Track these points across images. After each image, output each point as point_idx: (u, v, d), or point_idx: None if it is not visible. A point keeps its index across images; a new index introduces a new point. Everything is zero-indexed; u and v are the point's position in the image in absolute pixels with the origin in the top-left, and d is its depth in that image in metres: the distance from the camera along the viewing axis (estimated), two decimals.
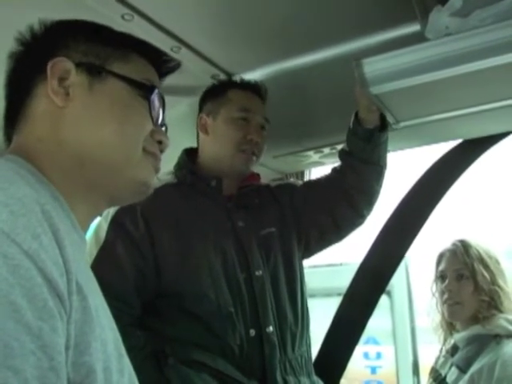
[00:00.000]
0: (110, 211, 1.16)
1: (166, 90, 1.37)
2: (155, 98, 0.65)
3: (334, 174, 1.35)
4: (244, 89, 1.28)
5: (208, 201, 1.22)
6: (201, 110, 1.30)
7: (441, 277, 1.56)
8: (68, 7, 0.96)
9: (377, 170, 1.27)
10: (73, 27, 0.64)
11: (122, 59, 0.64)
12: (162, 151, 0.67)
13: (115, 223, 1.14)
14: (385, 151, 1.27)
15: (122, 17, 1.02)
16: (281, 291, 1.20)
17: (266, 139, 1.29)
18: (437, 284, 1.58)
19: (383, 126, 1.20)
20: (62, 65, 0.59)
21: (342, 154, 1.31)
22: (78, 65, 0.60)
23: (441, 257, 1.60)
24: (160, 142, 0.66)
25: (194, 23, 1.11)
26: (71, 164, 0.58)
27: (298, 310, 1.23)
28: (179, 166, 1.29)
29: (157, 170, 0.66)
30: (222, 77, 1.32)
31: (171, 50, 1.17)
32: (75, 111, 0.59)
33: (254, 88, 1.29)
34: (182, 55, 1.19)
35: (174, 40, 1.13)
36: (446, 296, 1.52)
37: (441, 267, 1.57)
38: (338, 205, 1.31)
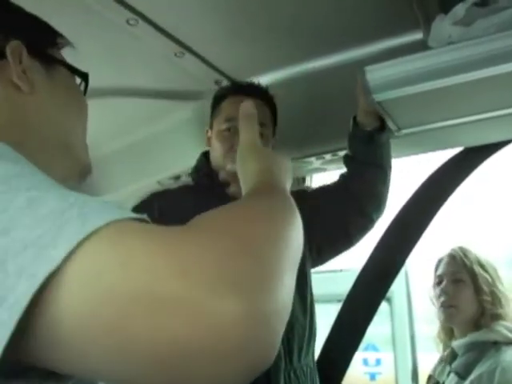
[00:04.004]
0: None
1: (170, 94, 1.39)
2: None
3: (341, 180, 1.33)
4: (236, 94, 1.21)
5: (224, 204, 1.20)
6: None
7: (438, 281, 1.57)
8: (73, 11, 0.97)
9: (381, 171, 1.26)
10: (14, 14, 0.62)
11: (57, 46, 0.64)
12: None
13: None
14: (387, 153, 1.26)
15: (127, 21, 1.02)
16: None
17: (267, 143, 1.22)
18: (434, 289, 1.59)
19: (382, 127, 1.19)
20: (19, 49, 0.56)
21: (346, 159, 1.30)
22: (28, 50, 0.58)
23: (439, 262, 1.61)
24: None
25: (197, 28, 1.12)
26: (36, 148, 0.55)
27: (307, 318, 1.20)
28: (196, 169, 1.27)
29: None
30: (226, 82, 1.32)
31: (175, 55, 1.17)
32: (40, 97, 0.58)
33: (245, 90, 1.22)
34: (186, 60, 1.20)
35: (177, 45, 1.14)
36: (442, 299, 1.53)
37: (438, 272, 1.59)
38: (347, 212, 1.30)
